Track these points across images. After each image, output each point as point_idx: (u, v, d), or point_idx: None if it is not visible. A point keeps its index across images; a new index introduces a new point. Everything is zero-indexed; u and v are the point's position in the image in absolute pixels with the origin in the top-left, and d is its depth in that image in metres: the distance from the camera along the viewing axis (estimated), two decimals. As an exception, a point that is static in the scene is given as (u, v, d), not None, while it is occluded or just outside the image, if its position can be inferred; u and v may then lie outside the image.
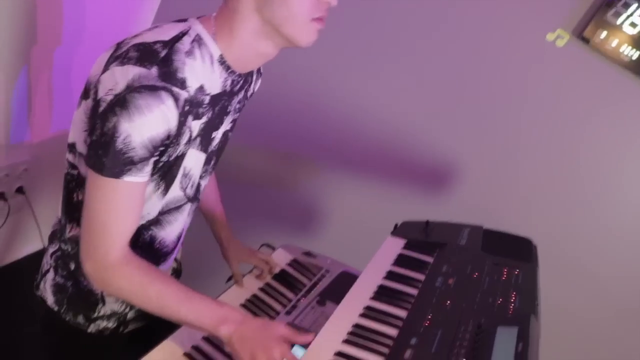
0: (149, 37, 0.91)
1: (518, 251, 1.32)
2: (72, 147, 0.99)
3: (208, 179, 1.12)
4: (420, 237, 1.37)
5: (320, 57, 1.80)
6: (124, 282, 0.92)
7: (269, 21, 0.91)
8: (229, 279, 1.46)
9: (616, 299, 1.69)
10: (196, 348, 1.06)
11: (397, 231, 1.40)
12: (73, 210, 1.01)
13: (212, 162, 1.09)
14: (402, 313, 1.07)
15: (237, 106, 1.07)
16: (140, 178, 0.89)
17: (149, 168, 0.90)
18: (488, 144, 1.73)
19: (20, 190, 1.84)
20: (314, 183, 1.94)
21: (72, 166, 1.00)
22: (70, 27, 1.69)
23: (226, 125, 1.06)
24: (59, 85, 1.81)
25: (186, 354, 1.04)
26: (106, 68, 0.88)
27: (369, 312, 1.06)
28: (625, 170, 1.65)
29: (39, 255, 2.05)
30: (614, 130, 1.62)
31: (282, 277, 1.36)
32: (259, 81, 1.18)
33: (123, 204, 0.90)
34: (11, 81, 1.62)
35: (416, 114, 1.78)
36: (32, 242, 2.04)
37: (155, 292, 0.92)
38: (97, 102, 0.87)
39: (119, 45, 0.92)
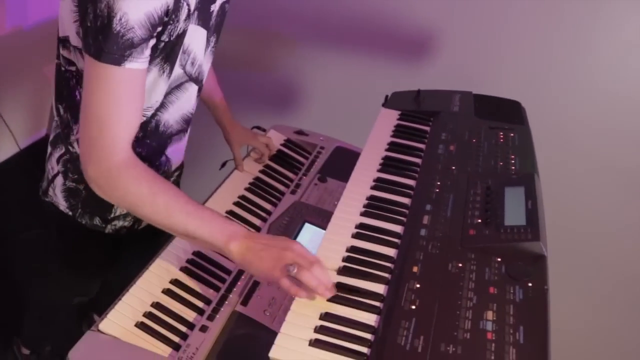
0: None
1: (509, 114, 1.34)
2: (64, 42, 0.91)
3: (210, 60, 1.06)
4: (413, 106, 1.37)
5: None
6: (131, 188, 0.85)
7: None
8: (223, 165, 1.45)
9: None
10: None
11: (389, 103, 1.39)
12: (78, 109, 0.94)
13: (213, 39, 1.03)
14: (411, 182, 1.09)
15: None
16: (141, 64, 0.83)
17: (148, 51, 0.83)
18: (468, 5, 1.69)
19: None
20: (295, 60, 1.87)
21: (69, 62, 0.92)
22: None
23: None
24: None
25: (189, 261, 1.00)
26: None
27: (379, 184, 1.07)
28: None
29: (17, 157, 1.96)
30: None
31: (279, 157, 1.35)
32: None
33: (125, 94, 0.83)
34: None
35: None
36: (6, 148, 1.94)
37: (163, 202, 0.85)
38: None
39: None
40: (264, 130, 1.45)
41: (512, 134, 1.24)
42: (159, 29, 0.83)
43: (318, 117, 1.86)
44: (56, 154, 1.04)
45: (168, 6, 0.81)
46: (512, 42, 1.69)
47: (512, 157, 1.15)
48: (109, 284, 1.15)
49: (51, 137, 1.05)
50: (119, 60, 0.80)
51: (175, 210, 0.85)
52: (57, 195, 1.05)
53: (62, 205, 1.05)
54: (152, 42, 0.83)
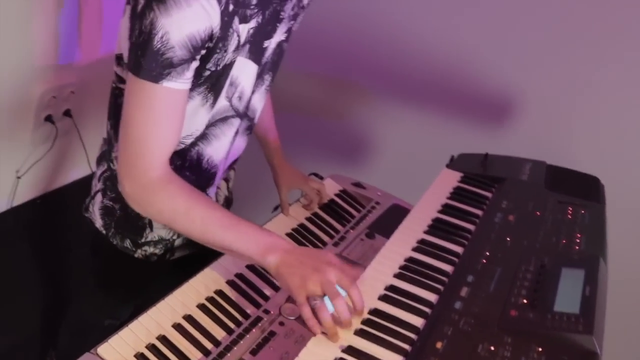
0: None
1: (584, 190, 1.23)
2: (119, 59, 0.94)
3: (264, 99, 1.05)
4: (478, 170, 1.29)
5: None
6: (167, 203, 0.86)
7: None
8: (276, 208, 1.42)
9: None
10: (239, 276, 1.02)
11: (454, 164, 1.32)
12: None
13: (267, 77, 1.02)
14: (458, 249, 1.01)
15: (291, 13, 0.99)
16: (180, 84, 0.83)
17: (190, 74, 0.84)
18: (552, 75, 1.60)
19: (67, 113, 1.83)
20: (365, 111, 1.85)
21: (120, 79, 0.96)
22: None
23: (280, 35, 0.99)
24: (107, 2, 1.76)
25: (229, 282, 0.99)
26: None
27: (422, 246, 1.00)
28: None
29: (86, 180, 2.07)
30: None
31: (330, 207, 1.30)
32: None
33: (163, 112, 0.84)
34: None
35: (475, 40, 1.65)
36: (79, 167, 2.04)
37: (199, 216, 0.85)
38: (135, 1, 0.81)
39: None
40: (322, 177, 1.42)
41: (582, 211, 1.12)
42: (202, 52, 0.83)
43: (380, 171, 1.81)
44: (99, 172, 1.07)
45: (212, 30, 0.81)
46: (594, 114, 1.57)
47: (579, 235, 1.04)
48: (138, 311, 1.15)
49: (98, 154, 1.08)
50: (156, 78, 0.81)
51: (211, 224, 0.86)
52: (95, 213, 1.07)
53: (98, 222, 1.07)
54: (195, 64, 0.84)
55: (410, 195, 1.44)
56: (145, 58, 0.79)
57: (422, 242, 1.01)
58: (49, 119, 1.78)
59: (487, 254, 0.97)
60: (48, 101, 1.74)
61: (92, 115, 1.95)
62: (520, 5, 1.58)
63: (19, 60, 1.59)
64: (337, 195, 1.35)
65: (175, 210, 0.86)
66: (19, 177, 1.81)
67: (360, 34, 1.78)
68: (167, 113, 0.84)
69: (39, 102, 1.71)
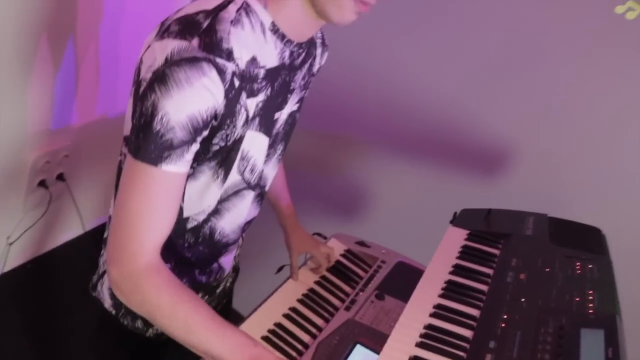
0: (191, 9, 0.83)
1: (588, 242, 1.24)
2: (127, 140, 0.93)
3: (276, 167, 1.05)
4: (482, 226, 1.30)
5: (367, 33, 1.72)
6: (152, 295, 0.80)
7: None
8: (280, 269, 1.41)
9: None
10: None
11: (458, 221, 1.32)
12: None
13: (279, 147, 1.02)
14: (475, 312, 1.00)
15: (302, 83, 0.99)
16: (179, 167, 0.81)
17: (189, 156, 0.81)
18: (546, 126, 1.63)
19: (60, 177, 1.81)
20: (363, 167, 1.87)
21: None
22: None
23: (292, 106, 0.98)
24: (104, 64, 1.76)
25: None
26: (148, 46, 0.82)
27: (440, 312, 0.99)
28: None
29: (79, 240, 2.03)
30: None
31: (337, 269, 1.30)
32: (326, 54, 1.09)
33: (158, 196, 0.80)
34: (56, 61, 1.57)
35: (471, 93, 1.68)
36: (72, 228, 2.02)
37: (183, 314, 0.80)
38: (138, 83, 0.80)
39: (162, 24, 0.84)
40: (325, 237, 1.42)
41: (590, 265, 1.13)
42: (205, 133, 0.82)
43: (381, 227, 1.81)
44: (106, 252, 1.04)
45: (216, 110, 0.80)
46: (591, 162, 1.61)
47: (590, 292, 1.04)
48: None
49: (105, 235, 1.06)
50: (155, 161, 0.78)
51: (195, 325, 0.80)
52: (104, 292, 1.04)
53: (107, 302, 1.04)
54: (195, 147, 0.82)
55: (413, 251, 1.45)
56: (145, 140, 0.77)
57: (438, 307, 1.00)
58: (42, 183, 1.75)
59: (505, 317, 0.97)
60: (42, 166, 1.72)
61: (85, 177, 1.93)
62: (516, 57, 1.63)
63: (12, 127, 1.57)
64: (342, 255, 1.35)
65: (158, 305, 0.81)
66: (10, 244, 1.77)
67: (354, 89, 1.81)
68: (163, 197, 0.81)
69: (32, 168, 1.68)
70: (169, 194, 0.82)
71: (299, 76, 0.96)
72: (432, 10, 1.68)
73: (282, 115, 0.97)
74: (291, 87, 0.96)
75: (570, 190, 1.63)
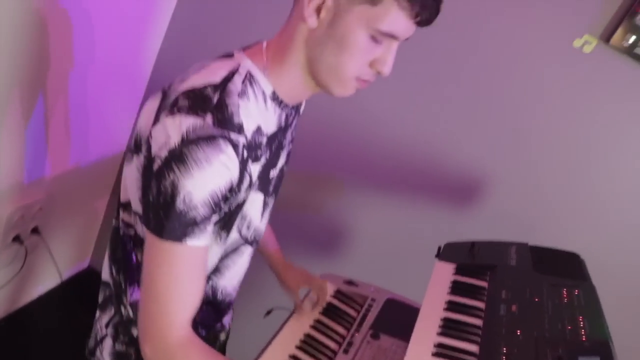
0: (197, 81, 0.83)
1: (569, 269, 1.29)
2: (126, 206, 0.92)
3: (267, 219, 1.06)
4: (468, 259, 1.33)
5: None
6: None
7: (311, 61, 0.85)
8: (268, 312, 1.41)
9: None
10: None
11: (444, 255, 1.35)
12: (133, 273, 0.94)
13: (271, 201, 1.03)
14: (474, 348, 1.03)
15: (290, 138, 1.02)
16: (203, 241, 0.82)
17: (211, 227, 0.83)
18: (515, 154, 1.70)
19: (35, 230, 1.77)
20: (344, 204, 1.89)
21: (128, 225, 0.93)
22: (81, 47, 1.61)
23: (282, 160, 1.01)
24: (74, 114, 1.74)
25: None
26: (156, 119, 0.81)
27: (441, 351, 1.01)
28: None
29: (56, 291, 1.97)
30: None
31: (330, 311, 1.31)
32: (303, 103, 1.12)
33: (186, 272, 0.82)
34: (26, 115, 1.54)
35: (441, 127, 1.74)
36: (49, 279, 1.97)
37: None
38: (150, 159, 0.80)
39: (165, 93, 0.85)
40: (313, 277, 1.43)
41: (576, 292, 1.17)
42: (223, 206, 0.83)
43: (367, 263, 1.84)
44: (105, 317, 1.02)
45: (232, 184, 0.81)
46: (562, 185, 1.68)
47: (580, 318, 1.08)
48: None
49: (100, 300, 1.03)
50: (180, 237, 0.79)
51: None
52: (104, 357, 1.02)
53: None
54: (215, 217, 0.83)
55: (400, 286, 1.47)
56: (168, 219, 0.78)
57: (439, 346, 1.02)
58: (16, 239, 1.71)
59: (505, 350, 0.99)
60: (16, 222, 1.68)
61: (60, 228, 1.89)
62: (481, 88, 1.69)
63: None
64: (333, 296, 1.36)
65: None
66: (-17, 303, 1.71)
67: (330, 128, 1.84)
68: (190, 271, 0.82)
69: (6, 224, 1.64)
70: (195, 267, 0.83)
71: (289, 133, 1.00)
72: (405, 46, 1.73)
73: (275, 172, 0.99)
74: (283, 145, 0.98)
75: (544, 214, 1.70)
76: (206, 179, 0.77)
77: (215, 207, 0.80)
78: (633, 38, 1.52)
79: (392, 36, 0.82)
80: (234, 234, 0.95)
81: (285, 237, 1.87)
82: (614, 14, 1.53)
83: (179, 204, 0.77)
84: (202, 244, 0.82)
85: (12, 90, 1.44)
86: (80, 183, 1.89)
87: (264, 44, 0.90)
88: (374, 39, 0.82)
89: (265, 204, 0.99)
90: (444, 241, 1.40)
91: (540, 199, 1.70)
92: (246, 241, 0.99)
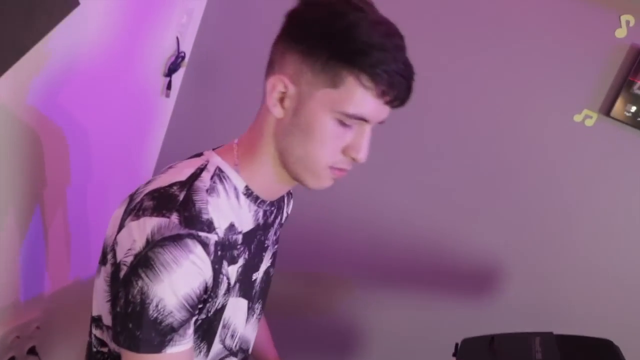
0: (163, 181, 0.80)
1: (603, 358, 1.17)
2: (97, 321, 0.86)
3: (256, 328, 0.98)
4: (489, 357, 1.22)
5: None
6: None
7: (281, 153, 0.81)
8: None
9: None
10: None
11: (461, 353, 1.24)
12: None
13: (257, 307, 0.96)
14: None
15: (274, 238, 0.96)
16: (184, 345, 0.75)
17: (191, 330, 0.76)
18: (526, 236, 1.62)
19: (32, 351, 1.68)
20: (351, 304, 1.79)
21: (101, 342, 0.87)
22: (78, 165, 1.61)
23: (266, 262, 0.94)
24: (74, 228, 1.71)
25: None
26: (121, 225, 0.77)
27: None
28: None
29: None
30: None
31: None
32: (291, 203, 1.07)
33: None
34: (22, 229, 1.51)
35: (446, 215, 1.67)
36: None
37: None
38: (117, 267, 0.75)
39: (132, 197, 0.81)
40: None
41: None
42: (200, 306, 0.77)
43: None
44: None
45: (206, 284, 0.76)
46: (584, 269, 1.57)
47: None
48: None
49: None
50: (159, 347, 0.73)
51: None
52: None
53: None
54: (194, 319, 0.77)
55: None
56: (141, 330, 0.72)
57: None
58: (12, 361, 1.63)
59: None
60: (11, 342, 1.60)
61: (58, 347, 1.81)
62: (485, 171, 1.64)
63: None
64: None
65: None
66: None
67: (328, 224, 1.78)
68: None
69: (0, 346, 1.57)
70: None
71: (272, 232, 0.94)
72: (404, 132, 1.71)
73: (259, 275, 0.92)
74: (265, 245, 0.92)
75: (565, 298, 1.58)
76: (177, 282, 0.71)
77: (192, 308, 0.74)
78: (634, 108, 1.49)
79: (361, 119, 0.77)
80: (217, 346, 0.87)
81: (292, 342, 1.77)
82: (609, 86, 1.51)
83: (152, 312, 0.71)
84: (185, 348, 0.75)
85: (7, 208, 1.43)
86: (80, 299, 1.82)
87: (235, 141, 0.87)
88: (343, 123, 0.77)
89: (249, 310, 0.92)
90: (461, 336, 1.30)
91: (558, 281, 1.59)
92: (230, 352, 0.91)
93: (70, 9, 1.28)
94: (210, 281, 0.76)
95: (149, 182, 0.82)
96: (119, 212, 0.81)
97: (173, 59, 1.77)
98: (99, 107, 1.59)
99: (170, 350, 0.73)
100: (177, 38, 1.76)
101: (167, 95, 1.82)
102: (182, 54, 1.79)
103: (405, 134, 1.67)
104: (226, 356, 0.91)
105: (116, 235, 0.77)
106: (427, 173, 1.68)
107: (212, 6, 1.81)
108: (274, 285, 1.61)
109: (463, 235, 1.65)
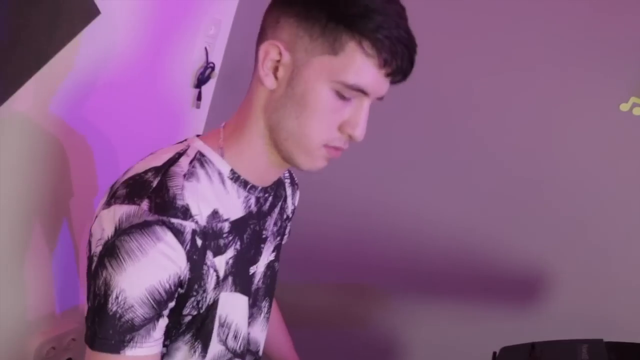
0: (139, 168, 0.76)
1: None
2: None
3: (265, 328, 0.93)
4: (530, 365, 1.11)
5: (369, 165, 1.66)
6: None
7: (271, 129, 0.75)
8: None
9: None
10: None
11: (500, 362, 1.14)
12: None
13: (264, 305, 0.90)
14: None
15: (275, 229, 0.89)
16: (147, 350, 0.69)
17: (158, 334, 0.70)
18: (575, 242, 1.49)
19: (68, 363, 1.69)
20: (386, 316, 1.70)
21: None
22: (105, 176, 1.62)
23: (268, 256, 0.88)
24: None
25: None
26: (95, 216, 0.74)
27: None
28: None
29: None
30: None
31: None
32: (297, 194, 1.01)
33: None
34: (51, 245, 1.53)
35: (489, 220, 1.56)
36: None
37: None
38: (90, 259, 0.71)
39: (111, 188, 0.77)
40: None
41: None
42: (171, 304, 0.71)
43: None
44: None
45: (179, 277, 0.70)
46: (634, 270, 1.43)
47: None
48: None
49: None
50: (116, 347, 0.67)
51: None
52: None
53: None
54: (163, 322, 0.71)
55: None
56: (101, 325, 0.67)
57: None
58: (48, 374, 1.64)
59: None
60: (47, 354, 1.62)
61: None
62: (530, 172, 1.53)
63: (10, 316, 1.50)
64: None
65: None
66: None
67: (362, 231, 1.71)
68: None
69: (35, 358, 1.58)
70: None
71: (270, 222, 0.88)
72: (438, 139, 1.63)
73: (258, 269, 0.87)
74: (263, 236, 0.86)
75: (616, 303, 1.44)
76: (141, 273, 0.66)
77: (159, 306, 0.68)
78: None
79: (360, 91, 0.72)
80: (216, 347, 0.82)
81: (322, 355, 1.70)
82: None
83: (112, 305, 0.66)
84: (146, 354, 0.69)
85: (36, 220, 1.45)
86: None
87: (222, 124, 0.82)
88: (340, 95, 0.71)
89: (253, 308, 0.87)
90: (500, 345, 1.19)
91: (608, 285, 1.46)
92: (235, 354, 0.85)
93: (91, 18, 1.30)
94: (185, 274, 0.71)
95: (127, 170, 0.78)
96: (100, 205, 0.78)
97: (202, 70, 1.78)
98: (125, 117, 1.61)
99: (130, 352, 0.67)
100: (206, 49, 1.76)
101: (198, 107, 1.83)
102: (212, 65, 1.79)
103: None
104: (231, 358, 0.86)
105: (91, 227, 0.74)
106: (467, 176, 1.59)
107: (241, 16, 1.82)
108: (302, 295, 1.56)
109: (504, 240, 1.54)
